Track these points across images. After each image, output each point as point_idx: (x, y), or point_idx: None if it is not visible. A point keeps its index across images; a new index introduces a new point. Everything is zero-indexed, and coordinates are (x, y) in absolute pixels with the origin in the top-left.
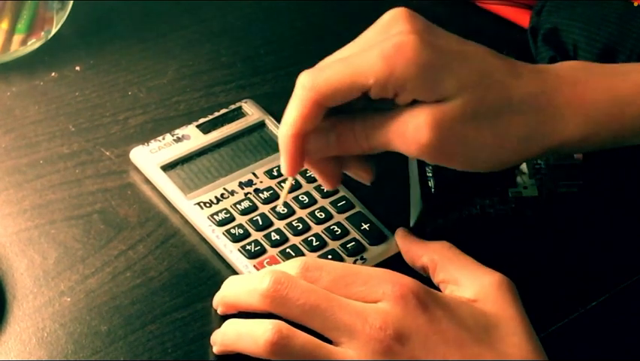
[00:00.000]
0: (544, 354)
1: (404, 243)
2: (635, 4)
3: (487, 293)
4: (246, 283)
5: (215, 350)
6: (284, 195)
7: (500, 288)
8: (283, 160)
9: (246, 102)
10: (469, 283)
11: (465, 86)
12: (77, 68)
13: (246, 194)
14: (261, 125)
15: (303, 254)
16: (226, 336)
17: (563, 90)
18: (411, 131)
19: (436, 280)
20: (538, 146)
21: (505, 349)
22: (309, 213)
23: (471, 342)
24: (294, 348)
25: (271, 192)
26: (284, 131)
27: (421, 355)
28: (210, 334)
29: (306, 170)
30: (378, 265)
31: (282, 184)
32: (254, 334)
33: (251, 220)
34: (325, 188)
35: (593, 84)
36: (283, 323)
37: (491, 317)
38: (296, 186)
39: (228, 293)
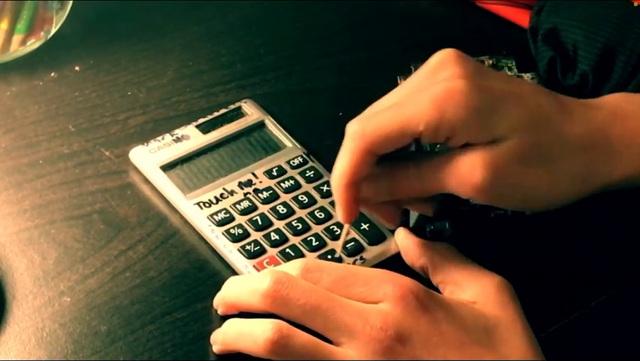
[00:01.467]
0: (542, 356)
1: (404, 243)
2: (635, 4)
3: (487, 295)
4: (246, 283)
5: (216, 349)
6: (342, 240)
7: (499, 290)
8: (338, 209)
9: (245, 102)
10: (469, 284)
11: (517, 127)
12: (77, 68)
13: (245, 194)
14: (261, 125)
15: (302, 254)
16: (226, 335)
17: (616, 126)
18: (465, 173)
19: (435, 280)
20: (594, 183)
21: (504, 351)
22: (309, 213)
23: (471, 343)
24: (294, 348)
25: (271, 192)
26: (337, 181)
27: (421, 355)
28: (210, 334)
29: (306, 170)
30: (378, 265)
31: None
32: (254, 333)
33: (250, 220)
34: (388, 227)
35: None
36: (283, 322)
37: (491, 319)
38: (295, 186)
39: (229, 293)
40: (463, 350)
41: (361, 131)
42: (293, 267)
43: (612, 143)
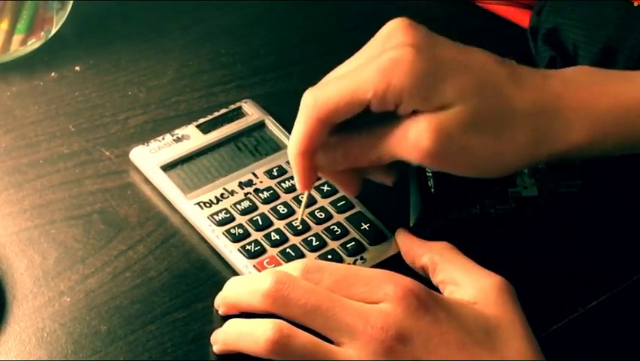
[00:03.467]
0: (542, 357)
1: (404, 243)
2: (635, 4)
3: (487, 296)
4: (247, 283)
5: (216, 349)
6: (302, 210)
7: (500, 291)
8: (296, 177)
9: (245, 102)
10: (469, 284)
11: (464, 94)
12: (77, 68)
13: (245, 194)
14: (261, 125)
15: (303, 254)
16: (227, 335)
17: (568, 95)
18: (412, 139)
19: (435, 280)
20: (542, 152)
21: (505, 352)
22: (309, 213)
23: (472, 344)
24: (294, 347)
25: (271, 192)
26: (292, 149)
27: (422, 355)
28: (210, 334)
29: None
30: (378, 265)
31: (301, 197)
32: (255, 333)
33: (251, 220)
34: (348, 196)
35: (598, 89)
36: (284, 322)
37: (492, 320)
38: (295, 186)
39: (230, 294)
40: (464, 350)
41: (313, 101)
42: (294, 267)
43: (563, 111)
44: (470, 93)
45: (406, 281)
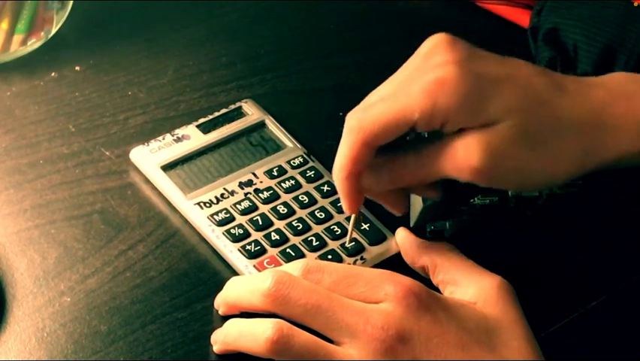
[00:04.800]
0: (542, 357)
1: (404, 243)
2: (635, 4)
3: (487, 296)
4: (247, 283)
5: (216, 348)
6: (350, 232)
7: (500, 291)
8: (342, 200)
9: (246, 102)
10: (469, 285)
11: (511, 109)
12: (77, 68)
13: (245, 194)
14: (261, 125)
15: (303, 254)
16: (227, 335)
17: (618, 105)
18: (462, 156)
19: (435, 280)
20: (592, 162)
21: (505, 352)
22: (309, 213)
23: (472, 344)
24: (294, 347)
25: (271, 192)
26: (337, 174)
27: (422, 355)
28: (210, 334)
29: (306, 170)
30: (378, 265)
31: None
32: (255, 332)
33: (251, 220)
34: (395, 214)
35: None
36: (284, 322)
37: (492, 321)
38: (296, 186)
39: (230, 293)
40: (464, 350)
41: (358, 125)
42: (294, 267)
43: (610, 120)
44: (517, 108)
45: (407, 281)
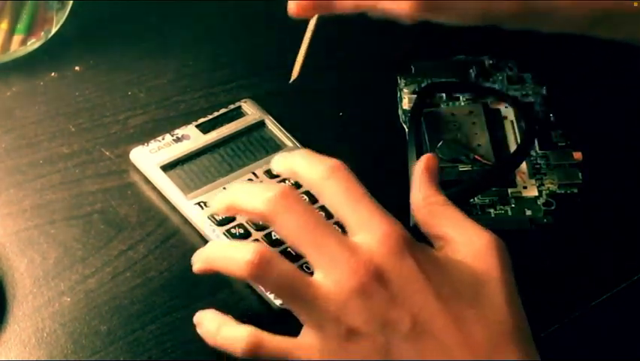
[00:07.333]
0: (524, 320)
1: (417, 181)
2: (635, 4)
3: (477, 252)
4: (251, 188)
5: (195, 268)
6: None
7: (490, 248)
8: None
9: (245, 102)
10: (462, 239)
11: None
12: (77, 68)
13: None
14: (261, 124)
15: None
16: (209, 254)
17: None
18: None
19: (428, 233)
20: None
21: (486, 310)
22: None
23: (451, 297)
24: (273, 273)
25: None
26: None
27: (396, 298)
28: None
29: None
30: None
31: None
32: (236, 255)
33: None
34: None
35: None
36: (268, 247)
37: (478, 276)
38: (296, 186)
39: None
40: (443, 301)
41: None
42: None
43: None
44: None
45: (398, 227)
